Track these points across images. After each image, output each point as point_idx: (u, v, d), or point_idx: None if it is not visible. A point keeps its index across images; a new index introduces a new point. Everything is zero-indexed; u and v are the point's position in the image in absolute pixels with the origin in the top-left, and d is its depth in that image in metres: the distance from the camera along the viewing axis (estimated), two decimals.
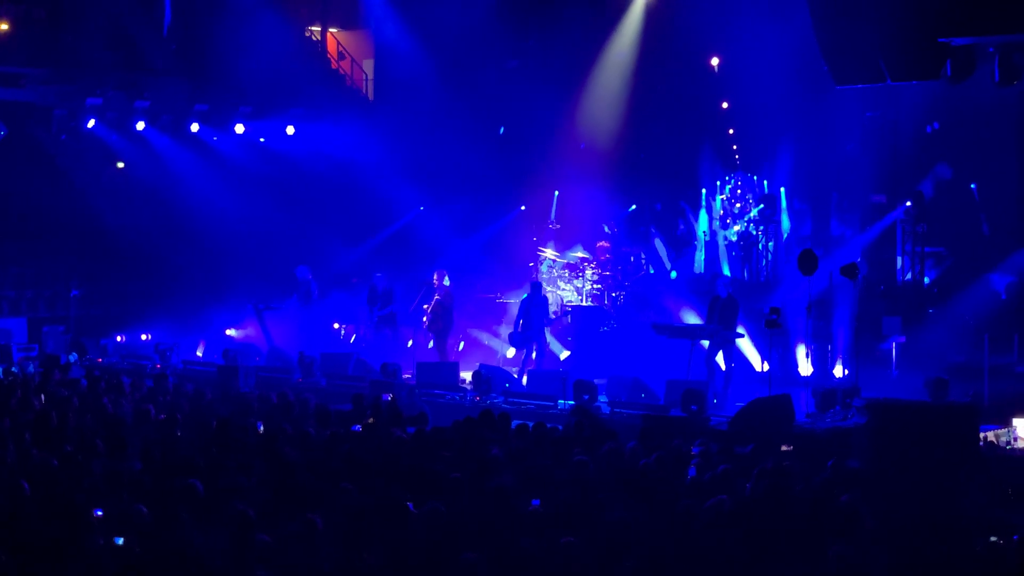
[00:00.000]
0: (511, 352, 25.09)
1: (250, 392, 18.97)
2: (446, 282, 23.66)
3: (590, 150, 29.91)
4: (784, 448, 14.18)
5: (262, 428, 14.95)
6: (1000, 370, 19.83)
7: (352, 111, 30.19)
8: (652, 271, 27.96)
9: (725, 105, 28.71)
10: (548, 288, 26.94)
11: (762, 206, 27.75)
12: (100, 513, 10.38)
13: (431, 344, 24.21)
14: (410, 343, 24.99)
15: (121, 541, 9.86)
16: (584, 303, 26.47)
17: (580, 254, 27.63)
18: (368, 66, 33.93)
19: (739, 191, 29.06)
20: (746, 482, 11.92)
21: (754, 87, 25.74)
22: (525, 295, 23.65)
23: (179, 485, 10.89)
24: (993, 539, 10.38)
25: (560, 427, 15.44)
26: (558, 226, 29.06)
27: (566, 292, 27.07)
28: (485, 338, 25.97)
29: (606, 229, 28.41)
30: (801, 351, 22.03)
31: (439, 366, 22.19)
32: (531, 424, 15.23)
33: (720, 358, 20.58)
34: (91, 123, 26.31)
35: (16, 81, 26.38)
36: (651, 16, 28.05)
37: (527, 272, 28.00)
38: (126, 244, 27.84)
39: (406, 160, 28.12)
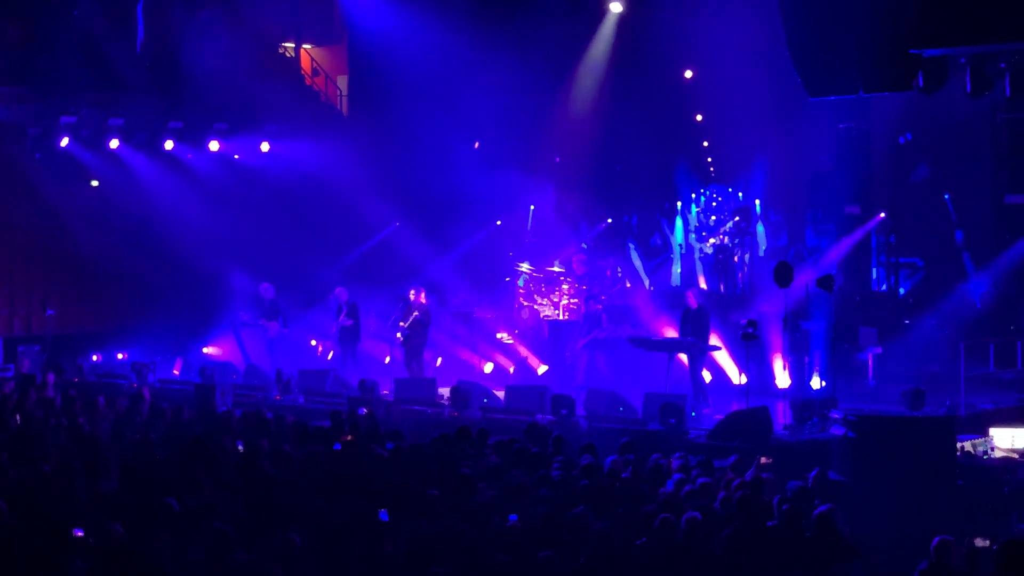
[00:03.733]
0: (488, 367, 25.13)
1: (228, 410, 18.90)
2: (422, 298, 23.60)
3: (565, 164, 29.96)
4: (763, 460, 14.19)
5: (242, 447, 14.89)
6: (976, 380, 19.91)
7: (327, 127, 30.12)
8: (628, 284, 27.99)
9: (699, 117, 28.79)
10: (524, 303, 27.01)
11: (737, 218, 27.81)
12: (80, 533, 10.32)
13: (408, 361, 24.04)
14: (388, 359, 24.93)
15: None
16: (561, 317, 26.49)
17: (556, 268, 27.64)
18: (342, 82, 33.92)
19: (714, 203, 29.14)
20: (725, 495, 11.94)
21: (728, 99, 25.83)
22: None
23: (156, 504, 10.85)
24: (980, 542, 10.43)
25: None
26: (534, 240, 29.05)
27: (543, 306, 27.10)
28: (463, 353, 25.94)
29: (583, 245, 28.46)
30: (778, 363, 22.06)
31: (417, 382, 22.14)
32: (508, 439, 15.20)
33: (700, 370, 20.67)
34: (65, 141, 26.16)
35: None
36: (625, 29, 28.12)
37: (504, 287, 28.03)
38: (101, 262, 27.66)
39: (381, 176, 28.02)
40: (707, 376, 20.72)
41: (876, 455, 14.88)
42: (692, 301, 20.84)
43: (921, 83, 17.62)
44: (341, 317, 24.16)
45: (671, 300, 25.53)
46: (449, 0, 27.29)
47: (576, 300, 26.56)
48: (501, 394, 21.06)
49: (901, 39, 17.19)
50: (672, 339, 21.85)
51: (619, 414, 19.07)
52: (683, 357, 21.01)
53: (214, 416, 17.63)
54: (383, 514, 11.02)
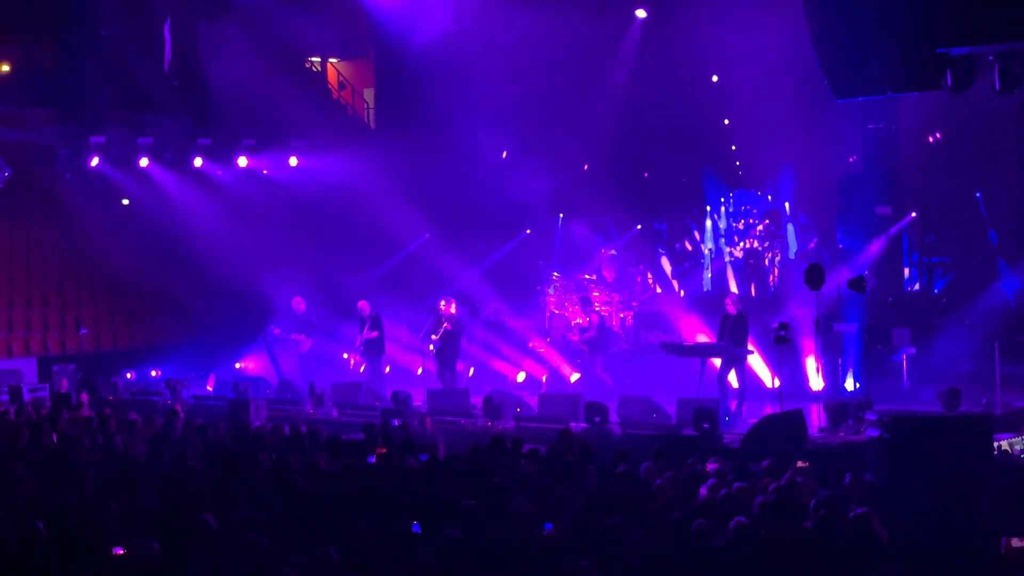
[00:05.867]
0: (521, 376, 25.13)
1: (262, 425, 18.94)
2: (453, 309, 23.60)
3: (593, 171, 29.92)
4: (800, 464, 14.12)
5: (274, 461, 14.90)
6: (1012, 378, 19.78)
7: (354, 140, 30.20)
8: (659, 290, 27.94)
9: (727, 122, 28.71)
10: (555, 311, 27.00)
11: (767, 221, 27.71)
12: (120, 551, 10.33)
13: (440, 372, 24.01)
14: (420, 371, 24.97)
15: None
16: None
17: (587, 276, 27.61)
18: (369, 95, 34.02)
19: (743, 207, 29.06)
20: (763, 499, 11.87)
21: (755, 103, 25.75)
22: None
23: (192, 520, 10.86)
24: (1017, 542, 10.30)
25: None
26: (564, 248, 29.02)
27: (574, 314, 27.08)
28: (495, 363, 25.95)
29: (612, 252, 28.42)
30: (811, 366, 21.98)
31: (450, 393, 22.15)
32: (546, 448, 15.20)
33: (732, 376, 20.55)
34: (95, 161, 26.35)
35: (19, 121, 26.48)
36: (650, 34, 28.10)
37: (535, 296, 28.01)
38: (133, 280, 27.87)
39: (410, 187, 28.05)
40: (734, 381, 20.60)
41: (912, 456, 14.76)
42: (731, 308, 20.75)
43: (949, 82, 17.52)
44: (365, 330, 24.26)
45: (703, 305, 25.47)
46: (474, 11, 27.29)
47: (608, 308, 26.52)
48: (535, 403, 21.06)
49: (928, 38, 17.10)
50: (704, 344, 21.80)
51: (653, 420, 19.04)
52: (716, 362, 20.95)
53: (248, 431, 17.65)
54: (416, 526, 11.02)
